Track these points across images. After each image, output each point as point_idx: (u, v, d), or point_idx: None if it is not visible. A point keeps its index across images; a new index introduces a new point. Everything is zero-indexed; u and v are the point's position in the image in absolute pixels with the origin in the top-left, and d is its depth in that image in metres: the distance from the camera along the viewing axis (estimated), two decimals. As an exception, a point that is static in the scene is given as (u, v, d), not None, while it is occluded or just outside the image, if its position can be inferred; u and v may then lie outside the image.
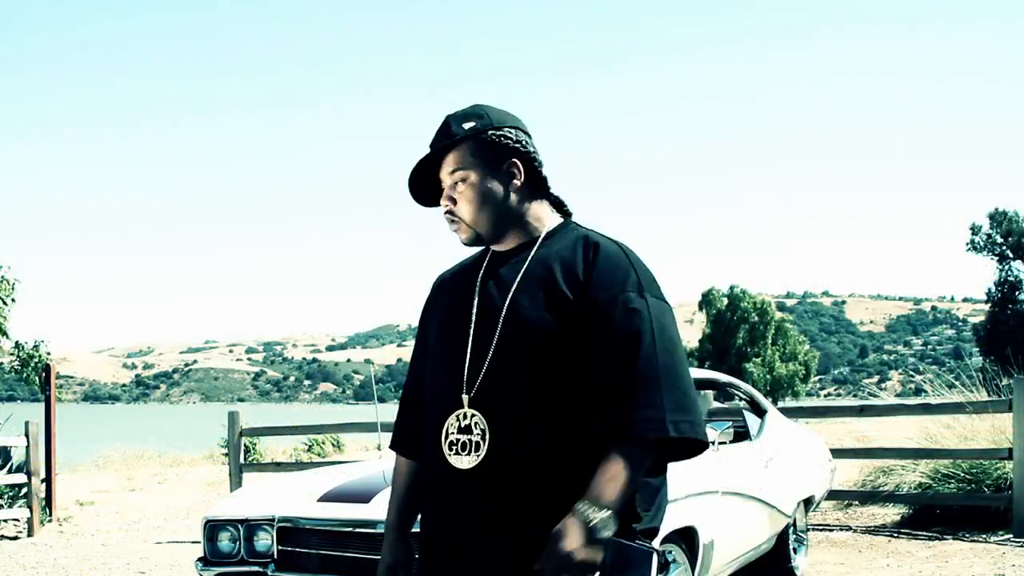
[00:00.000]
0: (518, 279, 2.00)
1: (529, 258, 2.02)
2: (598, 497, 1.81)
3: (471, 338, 1.99)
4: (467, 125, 2.03)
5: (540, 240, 2.05)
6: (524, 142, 2.07)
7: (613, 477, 1.82)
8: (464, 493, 1.92)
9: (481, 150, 2.03)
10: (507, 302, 1.97)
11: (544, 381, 1.91)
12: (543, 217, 2.08)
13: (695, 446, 1.92)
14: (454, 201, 2.04)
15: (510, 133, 2.05)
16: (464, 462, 1.92)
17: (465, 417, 1.94)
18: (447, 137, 2.03)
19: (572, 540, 1.77)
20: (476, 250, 2.17)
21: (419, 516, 2.13)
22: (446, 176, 2.05)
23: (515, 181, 2.04)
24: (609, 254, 1.97)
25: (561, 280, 1.96)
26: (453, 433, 1.94)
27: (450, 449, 1.94)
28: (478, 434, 1.92)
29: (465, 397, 1.95)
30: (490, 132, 2.03)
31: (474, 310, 2.01)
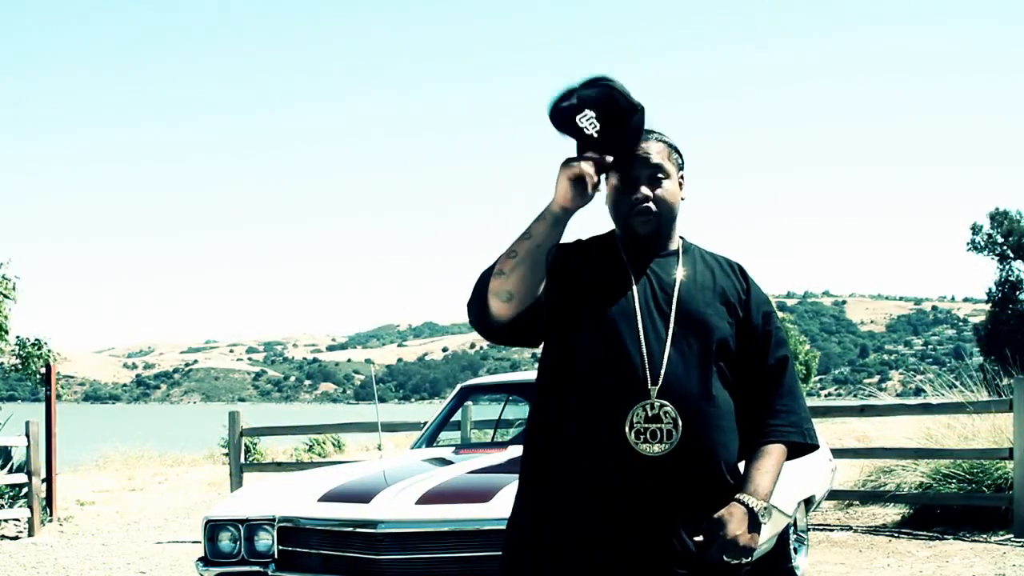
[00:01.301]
0: (681, 278, 2.18)
1: (680, 263, 2.22)
2: (757, 489, 2.08)
3: (641, 330, 2.10)
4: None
5: (681, 250, 2.25)
6: (683, 162, 2.28)
7: (768, 471, 2.12)
8: (653, 479, 2.04)
9: (676, 156, 2.24)
10: (677, 298, 2.15)
11: (718, 378, 2.13)
12: (675, 232, 2.28)
13: (811, 449, 2.23)
14: (656, 192, 2.16)
15: (680, 150, 2.27)
16: (654, 449, 2.04)
17: (653, 407, 2.05)
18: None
19: (738, 525, 2.02)
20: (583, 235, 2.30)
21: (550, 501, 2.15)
22: (645, 165, 2.16)
23: (682, 193, 2.25)
24: (752, 278, 2.28)
25: (729, 294, 2.21)
26: (640, 422, 2.05)
27: (637, 437, 2.04)
28: (669, 423, 2.05)
29: (653, 388, 2.06)
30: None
31: (637, 303, 2.13)
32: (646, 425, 2.04)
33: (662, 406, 2.05)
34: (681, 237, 2.29)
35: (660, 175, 2.17)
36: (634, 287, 2.15)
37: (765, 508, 2.05)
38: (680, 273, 2.19)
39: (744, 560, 2.05)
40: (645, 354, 2.08)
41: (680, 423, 2.05)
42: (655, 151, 2.17)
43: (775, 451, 2.15)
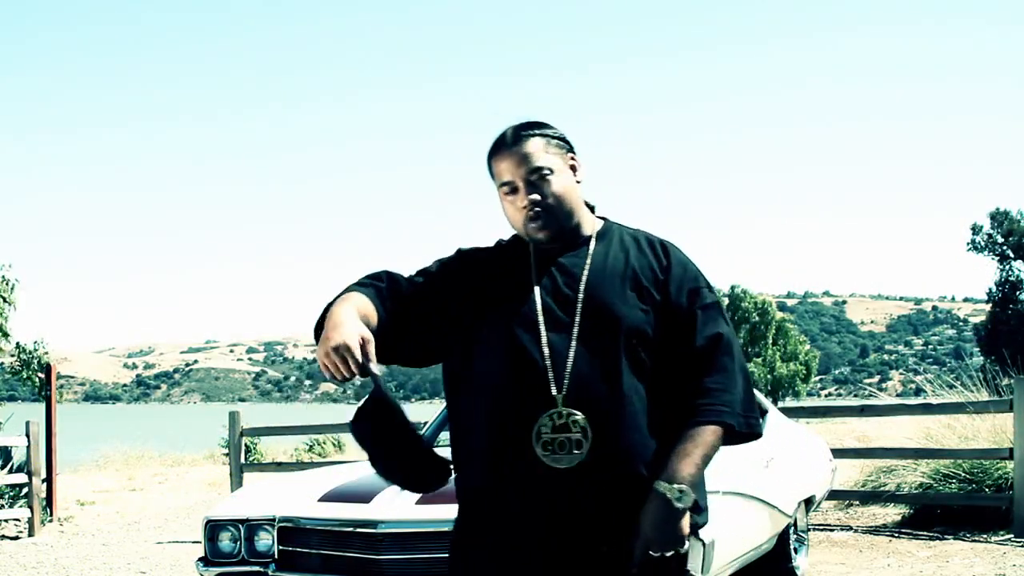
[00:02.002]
0: (588, 270, 2.04)
1: (591, 252, 2.07)
2: (672, 474, 1.92)
3: (543, 334, 1.98)
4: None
5: (595, 236, 2.10)
6: (571, 144, 2.15)
7: (687, 454, 1.94)
8: (564, 492, 1.92)
9: (555, 144, 2.10)
10: (583, 294, 2.00)
11: (631, 374, 1.97)
12: (588, 215, 2.15)
13: (752, 437, 2.06)
14: (544, 195, 2.05)
15: (562, 135, 2.14)
16: (562, 461, 1.91)
17: (560, 416, 1.92)
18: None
19: (654, 516, 1.90)
20: (488, 242, 2.19)
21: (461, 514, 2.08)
22: (520, 172, 2.05)
23: (577, 177, 2.12)
24: (679, 257, 2.09)
25: (643, 275, 2.03)
26: (548, 433, 1.92)
27: (546, 450, 1.91)
28: (578, 432, 1.92)
29: (559, 396, 1.93)
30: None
31: (539, 305, 2.00)
32: (554, 436, 1.91)
33: (570, 414, 1.92)
34: (603, 218, 2.17)
35: (543, 174, 2.04)
36: (536, 288, 2.02)
37: (680, 492, 1.89)
38: (588, 263, 2.05)
39: (678, 551, 1.93)
40: (549, 360, 1.95)
41: (589, 431, 1.91)
42: (530, 152, 2.05)
43: (700, 433, 1.95)
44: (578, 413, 1.92)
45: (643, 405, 1.97)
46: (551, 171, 2.05)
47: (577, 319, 1.98)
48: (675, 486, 1.90)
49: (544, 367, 1.95)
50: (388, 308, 2.06)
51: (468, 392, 2.06)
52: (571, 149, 2.13)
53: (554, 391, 1.93)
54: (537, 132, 2.09)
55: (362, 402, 1.92)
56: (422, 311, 2.08)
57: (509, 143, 2.08)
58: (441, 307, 2.09)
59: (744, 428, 2.01)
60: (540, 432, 1.92)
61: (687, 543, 1.93)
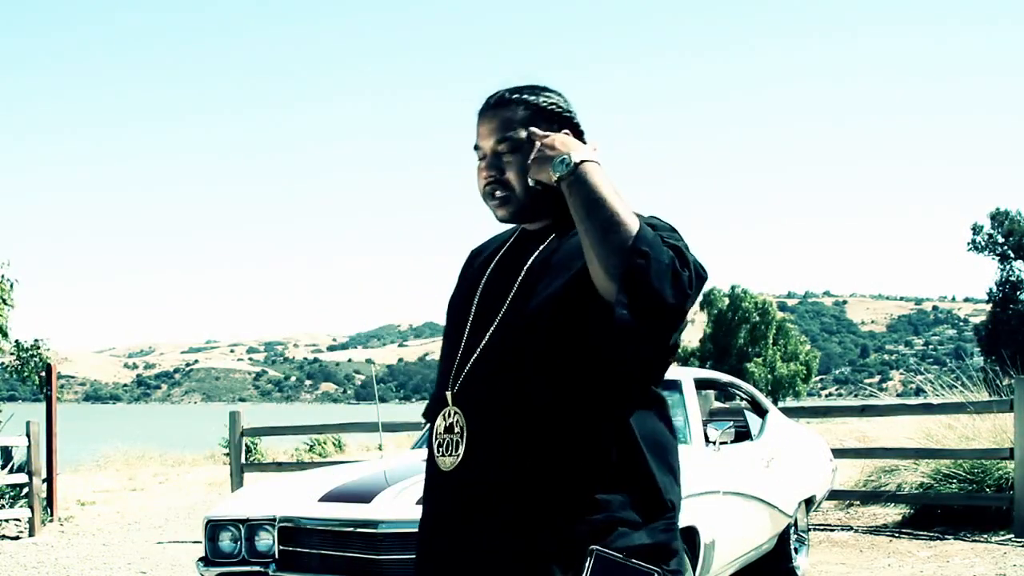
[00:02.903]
0: (531, 261, 1.84)
1: (547, 240, 1.86)
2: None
3: (467, 329, 1.86)
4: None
5: (564, 223, 1.86)
6: (573, 113, 1.92)
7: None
8: (446, 495, 1.82)
9: (533, 116, 1.86)
10: (515, 288, 1.82)
11: (531, 378, 1.73)
12: None
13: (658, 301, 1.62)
14: (502, 171, 1.84)
15: (560, 101, 1.90)
16: (446, 463, 1.80)
17: (449, 415, 1.82)
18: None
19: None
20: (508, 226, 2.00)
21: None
22: (489, 143, 1.85)
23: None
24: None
25: (581, 263, 1.73)
26: (440, 432, 1.83)
27: (438, 450, 1.83)
28: (458, 433, 1.80)
29: (450, 394, 1.83)
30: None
31: (477, 299, 1.88)
32: (444, 436, 1.82)
33: (455, 413, 1.81)
34: None
35: (505, 150, 1.83)
36: (483, 281, 1.90)
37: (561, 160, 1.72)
38: (538, 252, 1.84)
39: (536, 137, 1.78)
40: (460, 357, 1.84)
41: (466, 434, 1.78)
42: (510, 119, 1.84)
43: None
44: (460, 413, 1.80)
45: (536, 415, 1.72)
46: (517, 147, 1.83)
47: (500, 315, 1.81)
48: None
49: (453, 365, 1.86)
50: None
51: None
52: (569, 123, 1.89)
53: (448, 389, 1.84)
54: (529, 97, 1.87)
55: None
56: None
57: (491, 105, 1.88)
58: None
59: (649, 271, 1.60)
60: (436, 431, 1.84)
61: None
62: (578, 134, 1.90)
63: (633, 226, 1.64)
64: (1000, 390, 8.66)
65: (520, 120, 1.85)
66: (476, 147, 1.89)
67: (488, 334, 1.81)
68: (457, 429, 1.80)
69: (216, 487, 13.13)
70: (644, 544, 1.69)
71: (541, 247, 1.85)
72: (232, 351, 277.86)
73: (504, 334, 1.79)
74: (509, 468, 1.73)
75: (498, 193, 1.84)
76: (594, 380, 1.72)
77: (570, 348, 1.72)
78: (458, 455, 1.78)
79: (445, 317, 1.99)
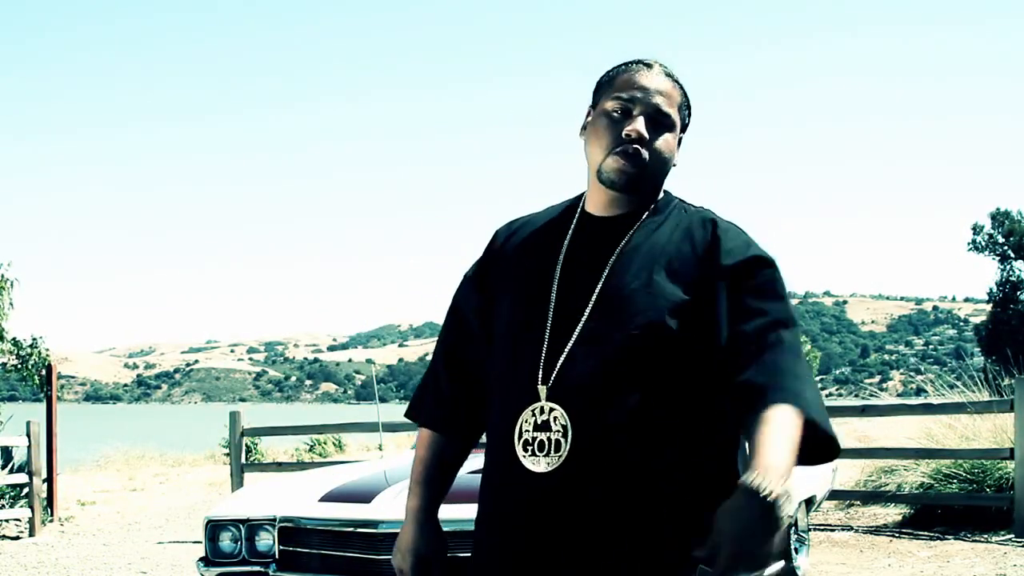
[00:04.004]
0: (619, 250, 1.70)
1: (633, 229, 1.72)
2: (769, 466, 1.42)
3: (550, 317, 1.69)
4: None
5: (649, 212, 1.75)
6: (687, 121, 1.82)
7: (783, 439, 1.46)
8: (540, 500, 1.62)
9: (685, 111, 1.79)
10: (604, 278, 1.68)
11: (638, 373, 1.62)
12: (659, 195, 1.80)
13: (832, 449, 1.59)
14: (651, 140, 1.71)
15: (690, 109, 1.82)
16: (541, 464, 1.62)
17: (543, 411, 1.64)
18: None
19: (738, 525, 1.39)
20: (543, 208, 1.88)
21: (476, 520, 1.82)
22: (645, 100, 1.71)
23: (675, 160, 1.78)
24: (728, 225, 1.72)
25: (681, 258, 1.67)
26: (528, 431, 1.64)
27: (524, 449, 1.64)
28: (558, 431, 1.62)
29: (543, 388, 1.65)
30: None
31: (556, 283, 1.71)
32: (535, 434, 1.63)
33: (551, 410, 1.63)
34: (666, 191, 1.80)
35: (665, 121, 1.72)
36: (559, 265, 1.72)
37: (784, 491, 1.39)
38: (625, 241, 1.71)
39: (762, 573, 1.45)
40: (546, 348, 1.66)
41: (571, 431, 1.60)
42: (666, 90, 1.73)
43: (776, 416, 1.49)
44: (559, 409, 1.62)
45: (647, 412, 1.61)
46: (671, 127, 1.73)
47: (590, 305, 1.66)
48: (775, 484, 1.39)
49: (539, 356, 1.67)
50: (462, 417, 1.88)
51: (489, 383, 1.82)
52: (686, 127, 1.81)
53: (540, 383, 1.65)
54: (683, 86, 1.78)
55: None
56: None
57: (654, 69, 1.74)
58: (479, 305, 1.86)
59: (826, 425, 1.53)
60: (522, 429, 1.65)
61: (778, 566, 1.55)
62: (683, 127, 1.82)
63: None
64: (1000, 390, 8.66)
65: (680, 106, 1.77)
66: (618, 97, 1.72)
67: (580, 325, 1.66)
68: (557, 427, 1.62)
69: (216, 487, 13.14)
70: None
71: (631, 232, 1.72)
72: (232, 351, 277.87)
73: (603, 324, 1.65)
74: (627, 472, 1.60)
75: (634, 156, 1.69)
76: (711, 387, 1.62)
77: (683, 344, 1.62)
78: (560, 456, 1.60)
79: (499, 305, 1.80)
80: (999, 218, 45.78)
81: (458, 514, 3.96)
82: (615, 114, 1.71)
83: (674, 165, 1.78)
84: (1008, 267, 45.50)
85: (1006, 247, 45.52)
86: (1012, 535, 7.20)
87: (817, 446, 1.55)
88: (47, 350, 10.59)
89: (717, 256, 1.66)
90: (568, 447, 1.60)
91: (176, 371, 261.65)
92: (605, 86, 1.78)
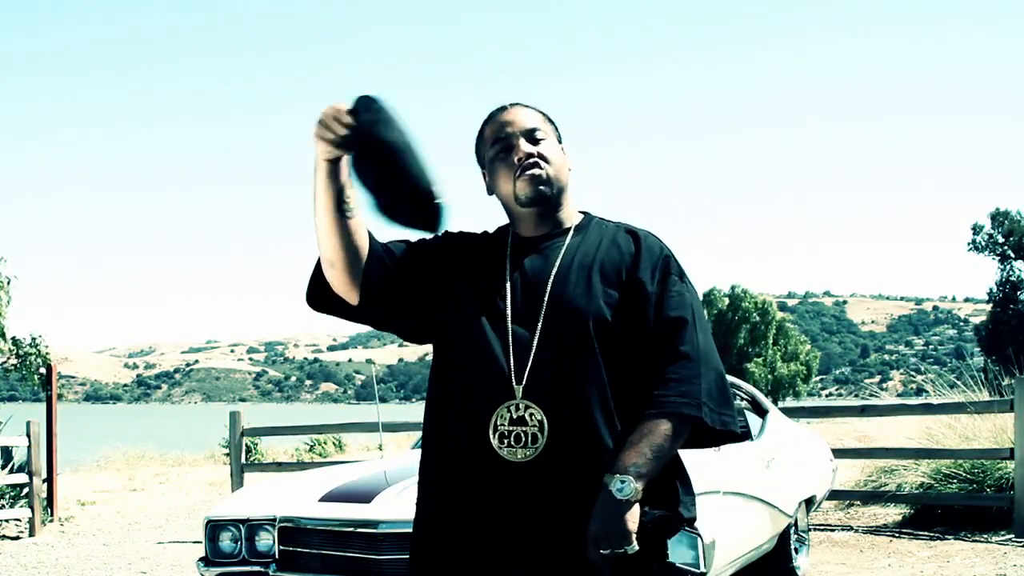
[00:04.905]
0: (558, 264, 1.99)
1: (565, 245, 2.02)
2: (618, 464, 1.83)
3: (509, 324, 1.95)
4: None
5: (573, 229, 2.06)
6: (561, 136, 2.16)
7: (635, 445, 1.85)
8: (518, 486, 1.88)
9: (547, 123, 2.09)
10: (550, 288, 1.96)
11: (594, 368, 1.90)
12: (572, 206, 2.11)
13: (728, 436, 1.96)
14: (540, 153, 2.02)
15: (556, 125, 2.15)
16: (518, 455, 1.88)
17: (518, 408, 1.89)
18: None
19: (596, 513, 1.81)
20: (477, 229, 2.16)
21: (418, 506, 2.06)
22: (516, 129, 2.03)
23: (568, 164, 2.09)
24: (649, 243, 2.03)
25: (610, 264, 1.98)
26: (504, 424, 1.89)
27: (501, 441, 1.89)
28: (534, 425, 1.88)
29: (518, 387, 1.90)
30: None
31: (508, 294, 1.98)
32: (511, 428, 1.89)
33: (527, 407, 1.89)
34: (583, 212, 2.12)
35: (538, 137, 2.03)
36: (507, 281, 2.00)
37: (621, 481, 1.80)
38: (561, 255, 2.00)
39: (625, 550, 1.80)
40: (512, 352, 1.92)
41: (546, 425, 1.88)
42: (530, 115, 2.06)
43: (650, 424, 1.86)
44: (535, 406, 1.89)
45: (606, 401, 1.91)
46: (546, 137, 2.05)
47: (542, 312, 1.94)
48: (617, 476, 1.81)
49: (507, 359, 1.92)
50: (388, 255, 2.06)
51: (440, 383, 2.03)
52: (560, 139, 2.12)
53: (514, 383, 1.90)
54: (535, 108, 2.10)
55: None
56: (416, 269, 2.07)
57: (507, 107, 2.07)
58: (428, 275, 2.06)
59: (715, 422, 1.89)
60: (497, 424, 1.90)
61: (633, 542, 1.82)
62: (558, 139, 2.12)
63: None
64: (1001, 390, 8.65)
65: (544, 120, 2.08)
66: (498, 140, 2.04)
67: (538, 331, 1.93)
68: (534, 423, 1.88)
69: (216, 487, 13.14)
70: (688, 517, 1.99)
71: (564, 247, 2.02)
72: (232, 351, 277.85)
73: (557, 328, 1.93)
74: (594, 458, 1.87)
75: (538, 167, 2.00)
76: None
77: (616, 344, 1.93)
78: (536, 448, 1.88)
79: (455, 298, 2.03)
80: (999, 218, 45.81)
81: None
82: (501, 154, 2.03)
83: (570, 169, 2.08)
84: (1008, 267, 45.53)
85: (1006, 247, 45.54)
86: (1012, 535, 7.20)
87: (713, 435, 1.95)
88: (47, 349, 10.58)
89: (641, 262, 1.98)
90: (545, 440, 1.88)
91: (176, 371, 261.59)
92: (481, 143, 2.09)
